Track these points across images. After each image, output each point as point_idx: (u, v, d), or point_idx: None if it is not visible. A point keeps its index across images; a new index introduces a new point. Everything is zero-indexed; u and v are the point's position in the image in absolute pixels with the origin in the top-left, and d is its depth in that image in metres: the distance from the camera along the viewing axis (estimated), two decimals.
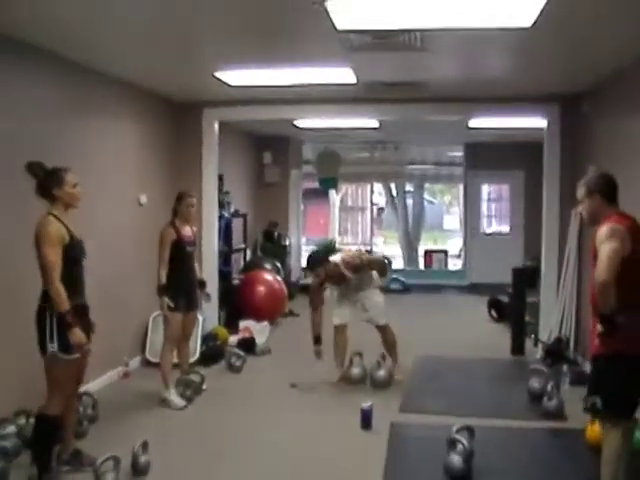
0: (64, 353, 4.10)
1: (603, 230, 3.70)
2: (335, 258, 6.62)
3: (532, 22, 4.45)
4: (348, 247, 15.96)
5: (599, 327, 3.66)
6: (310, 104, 8.01)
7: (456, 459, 4.37)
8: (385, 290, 7.10)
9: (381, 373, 6.58)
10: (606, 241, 3.62)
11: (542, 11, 4.20)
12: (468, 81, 6.98)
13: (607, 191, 3.91)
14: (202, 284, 6.38)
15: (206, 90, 7.43)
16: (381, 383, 6.53)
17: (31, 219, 4.16)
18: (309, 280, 7.33)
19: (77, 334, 4.09)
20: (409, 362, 7.02)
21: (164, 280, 5.82)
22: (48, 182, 4.17)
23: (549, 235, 7.82)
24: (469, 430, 4.65)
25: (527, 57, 5.90)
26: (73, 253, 4.20)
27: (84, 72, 6.05)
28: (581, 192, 3.95)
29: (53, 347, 4.08)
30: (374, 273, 6.79)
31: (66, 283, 4.07)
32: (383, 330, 6.72)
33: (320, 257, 6.77)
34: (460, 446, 4.39)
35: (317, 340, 6.67)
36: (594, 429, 4.71)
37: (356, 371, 6.67)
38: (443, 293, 13.41)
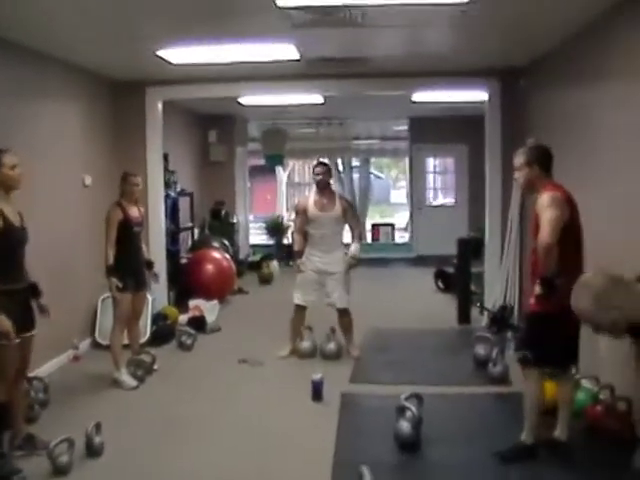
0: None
1: (544, 199, 4.00)
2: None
3: None
4: None
5: (537, 289, 3.97)
6: (254, 81, 7.99)
7: (405, 426, 4.49)
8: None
9: (331, 346, 6.68)
10: (548, 209, 3.94)
11: None
12: (410, 56, 7.05)
13: (544, 162, 4.22)
14: (150, 264, 6.36)
15: (149, 69, 7.35)
16: (331, 356, 6.65)
17: None
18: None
19: (1, 322, 4.00)
20: (359, 335, 7.11)
21: (112, 261, 5.79)
22: None
23: (492, 206, 7.98)
24: (418, 397, 4.78)
25: (466, 32, 5.99)
26: (8, 238, 4.13)
27: (22, 53, 5.92)
28: (520, 161, 4.25)
29: None
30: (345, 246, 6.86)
31: (1, 268, 4.04)
32: (343, 313, 6.76)
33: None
34: (409, 413, 4.51)
35: (299, 255, 6.73)
36: None
37: (306, 345, 6.76)
38: (390, 266, 13.57)
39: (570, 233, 4.01)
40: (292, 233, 6.84)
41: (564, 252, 3.93)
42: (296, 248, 6.80)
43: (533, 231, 4.14)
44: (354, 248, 6.71)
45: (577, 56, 5.77)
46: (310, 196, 6.79)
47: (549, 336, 4.12)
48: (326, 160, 6.78)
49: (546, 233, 3.89)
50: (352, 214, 6.83)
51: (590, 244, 5.20)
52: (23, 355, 4.36)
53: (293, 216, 6.99)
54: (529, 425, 4.28)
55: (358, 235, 6.85)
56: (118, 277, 5.80)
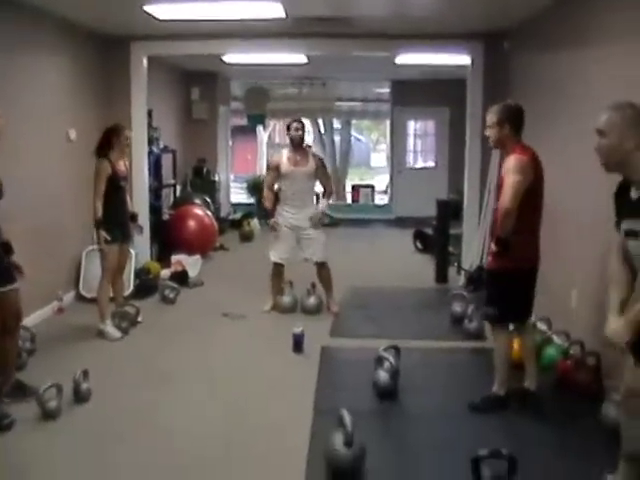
0: None
1: (511, 162, 4.17)
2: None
3: None
4: None
5: (493, 247, 4.22)
6: (239, 39, 7.99)
7: (383, 375, 4.67)
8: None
9: (311, 301, 6.85)
10: (512, 173, 4.11)
11: None
12: (395, 18, 7.09)
13: (516, 121, 4.33)
14: (134, 217, 6.43)
15: (135, 24, 7.33)
16: (312, 310, 6.81)
17: None
18: None
19: None
20: (339, 293, 7.25)
21: (100, 214, 5.85)
22: None
23: (471, 169, 8.11)
24: (395, 349, 4.95)
25: None
26: None
27: (4, 5, 5.86)
28: (492, 119, 4.35)
29: None
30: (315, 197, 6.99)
31: None
32: (321, 267, 6.87)
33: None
34: (387, 363, 4.69)
35: (271, 213, 6.86)
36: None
37: (287, 299, 6.91)
38: (370, 227, 13.70)
39: (531, 195, 4.18)
40: (265, 191, 6.91)
41: (522, 213, 4.11)
42: (267, 205, 6.90)
43: (498, 190, 4.32)
44: (322, 204, 6.92)
45: (560, 19, 5.85)
46: (283, 153, 6.87)
47: (508, 291, 4.34)
48: (304, 120, 6.85)
49: (507, 198, 4.05)
50: (324, 171, 6.93)
51: (571, 206, 5.38)
52: (9, 308, 4.40)
53: (267, 173, 7.05)
54: (500, 377, 4.47)
55: (329, 193, 6.97)
56: (106, 230, 5.88)
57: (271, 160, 7.20)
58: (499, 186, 4.28)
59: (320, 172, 6.81)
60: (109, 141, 6.00)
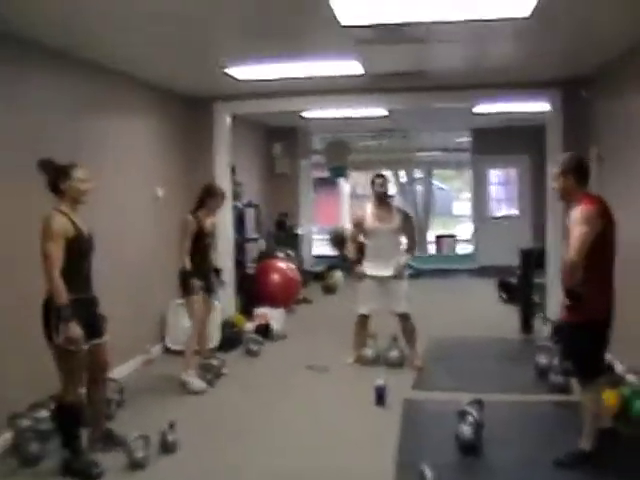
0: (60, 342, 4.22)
1: (577, 213, 4.13)
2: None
3: (530, 12, 4.64)
4: None
5: (566, 300, 4.16)
6: (318, 95, 8.19)
7: (466, 429, 4.60)
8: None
9: (394, 353, 6.81)
10: (578, 225, 4.07)
11: (539, 1, 4.40)
12: (472, 69, 7.15)
13: (580, 172, 4.33)
14: (217, 271, 6.62)
15: (217, 85, 7.63)
16: (394, 363, 6.77)
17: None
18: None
19: (71, 328, 4.16)
20: (422, 344, 7.20)
21: (188, 265, 6.05)
22: (56, 177, 4.33)
23: (553, 217, 7.99)
24: (479, 403, 4.88)
25: (528, 45, 6.07)
26: (77, 247, 4.31)
27: (98, 71, 6.23)
28: (556, 171, 4.38)
29: (58, 339, 4.19)
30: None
31: (67, 277, 4.18)
32: (404, 319, 6.80)
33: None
34: (470, 417, 4.62)
35: (356, 262, 6.88)
36: None
37: (370, 352, 6.90)
38: (453, 277, 13.60)
39: (600, 246, 4.13)
40: (350, 244, 6.98)
41: (592, 264, 4.05)
42: (351, 256, 6.95)
43: (566, 241, 4.27)
44: (404, 257, 6.83)
45: (635, 65, 5.79)
46: (367, 208, 6.86)
47: (580, 346, 4.30)
48: (384, 172, 6.89)
49: (574, 250, 4.01)
50: (409, 226, 6.90)
51: None
52: (97, 360, 4.58)
53: (351, 228, 7.13)
54: (587, 432, 4.34)
55: (411, 247, 6.97)
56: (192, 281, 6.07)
57: (355, 215, 7.20)
58: (567, 236, 4.22)
59: (406, 227, 6.80)
60: (202, 200, 6.25)
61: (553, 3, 4.50)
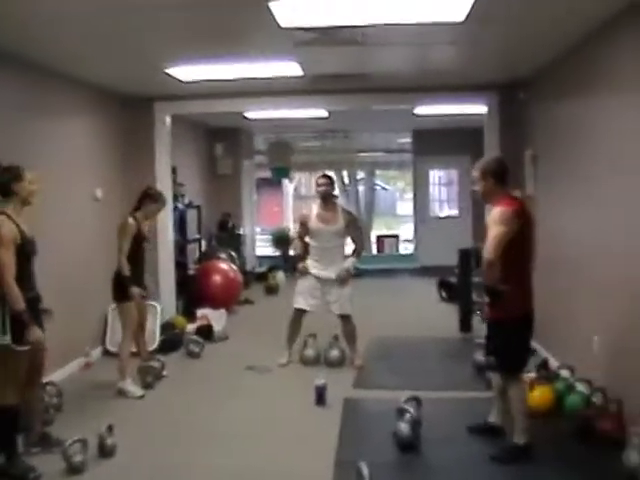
0: (16, 344, 4.21)
1: (495, 214, 4.30)
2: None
3: (464, 17, 4.73)
4: None
5: (486, 297, 4.34)
6: (259, 96, 8.20)
7: (404, 427, 4.66)
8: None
9: (335, 353, 6.87)
10: (496, 225, 4.23)
11: (473, 6, 4.48)
12: (412, 71, 7.24)
13: (499, 174, 4.48)
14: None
15: (158, 85, 7.57)
16: (335, 362, 6.82)
17: None
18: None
19: (35, 332, 4.24)
20: (363, 343, 7.25)
21: (128, 271, 5.94)
22: (10, 179, 4.30)
23: None
24: (417, 400, 4.94)
25: (465, 48, 6.18)
26: (24, 251, 4.31)
27: (33, 70, 6.12)
28: (476, 173, 4.51)
29: (5, 339, 4.17)
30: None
31: (19, 279, 4.19)
32: (345, 320, 6.84)
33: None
34: (408, 415, 4.69)
35: (300, 258, 6.95)
36: (532, 395, 5.13)
37: (310, 352, 6.94)
38: (395, 276, 13.73)
39: (519, 245, 4.29)
40: (296, 240, 7.02)
41: (509, 263, 4.20)
42: (297, 252, 6.98)
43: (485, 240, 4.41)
44: (349, 262, 6.84)
45: (574, 68, 5.96)
46: (313, 209, 6.88)
47: (508, 341, 4.42)
48: (330, 173, 6.94)
49: (490, 248, 4.16)
50: (355, 228, 6.92)
51: (591, 251, 5.40)
52: (35, 361, 4.51)
53: (296, 226, 7.19)
54: (520, 427, 4.47)
55: (358, 252, 6.97)
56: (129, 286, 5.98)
57: (300, 215, 7.29)
58: (485, 236, 4.38)
59: (351, 229, 6.82)
60: (142, 202, 6.17)
61: (486, 8, 4.60)
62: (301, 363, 6.91)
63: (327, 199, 6.78)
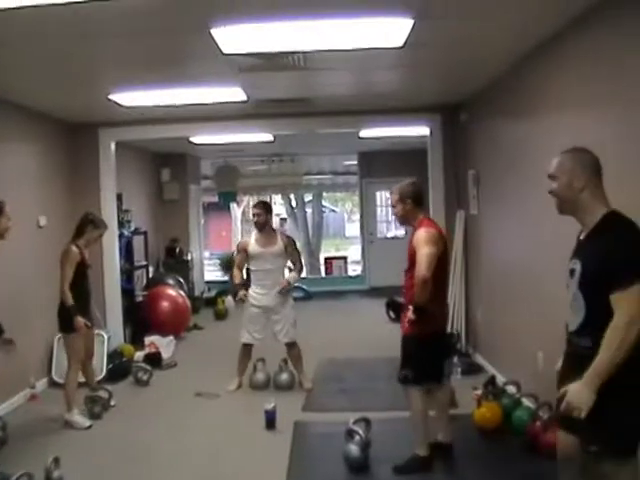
0: None
1: (422, 234, 4.45)
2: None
3: (403, 42, 4.84)
4: None
5: (410, 314, 4.43)
6: (204, 122, 8.23)
7: (354, 449, 4.69)
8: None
9: (284, 377, 6.88)
10: (425, 245, 4.37)
11: (410, 32, 4.59)
12: (355, 95, 7.35)
13: (416, 197, 4.68)
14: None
15: (101, 111, 7.53)
16: (284, 386, 6.83)
17: None
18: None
19: None
20: (312, 365, 7.28)
21: (71, 301, 5.84)
22: None
23: None
24: (366, 421, 4.98)
25: (406, 72, 6.33)
26: None
27: None
28: (395, 197, 4.69)
29: None
30: (286, 271, 7.07)
31: None
32: (290, 346, 6.88)
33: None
34: (357, 437, 4.72)
35: (239, 287, 6.95)
36: (480, 412, 5.22)
37: (260, 376, 6.93)
38: (344, 299, 13.78)
39: (441, 265, 4.48)
40: (234, 270, 7.04)
41: (435, 283, 4.36)
42: (236, 282, 7.01)
43: (409, 262, 4.54)
44: (290, 275, 7.00)
45: (512, 89, 6.10)
46: (253, 235, 6.95)
47: (424, 356, 4.57)
48: (265, 199, 7.03)
49: (424, 267, 4.29)
50: (293, 249, 7.00)
51: (532, 268, 5.52)
52: None
53: (236, 255, 7.22)
54: (419, 438, 4.63)
55: (298, 268, 7.06)
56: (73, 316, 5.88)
57: (240, 242, 7.35)
58: (411, 257, 4.49)
59: (289, 250, 6.89)
60: (82, 229, 6.08)
61: (424, 34, 4.71)
62: (251, 388, 6.90)
63: (262, 226, 6.82)
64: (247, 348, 6.96)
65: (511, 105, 6.17)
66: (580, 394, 2.66)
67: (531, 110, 5.58)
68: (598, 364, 2.63)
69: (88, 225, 6.12)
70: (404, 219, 4.75)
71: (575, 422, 2.72)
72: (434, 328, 4.56)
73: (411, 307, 4.42)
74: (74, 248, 5.95)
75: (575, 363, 2.84)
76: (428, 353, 4.57)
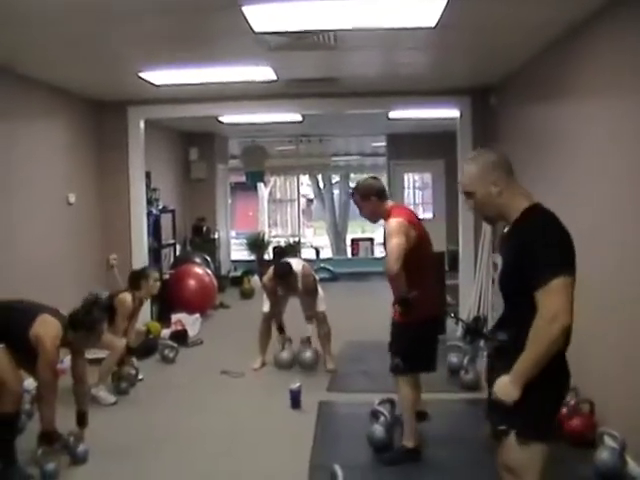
0: None
1: (391, 225, 4.38)
2: (296, 267, 6.77)
3: (435, 22, 4.79)
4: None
5: (397, 307, 4.36)
6: (233, 100, 8.22)
7: (378, 429, 4.69)
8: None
9: (307, 354, 6.88)
10: (393, 236, 4.30)
11: (443, 13, 4.54)
12: (385, 76, 7.31)
13: (378, 192, 4.66)
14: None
15: (131, 89, 7.56)
16: (309, 365, 6.84)
17: None
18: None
19: None
20: (337, 347, 7.28)
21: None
22: None
23: (465, 221, 8.22)
24: (391, 402, 4.98)
25: (437, 53, 6.26)
26: None
27: (7, 77, 6.10)
28: (357, 199, 4.70)
29: None
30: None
31: None
32: (321, 320, 6.87)
33: (289, 268, 6.74)
34: (382, 417, 4.73)
35: (280, 330, 7.03)
36: None
37: (285, 355, 6.95)
38: (370, 280, 13.75)
39: (418, 251, 4.40)
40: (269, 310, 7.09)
41: (415, 269, 4.31)
42: (278, 322, 7.09)
43: (385, 252, 4.50)
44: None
45: (544, 73, 6.03)
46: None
47: (414, 345, 4.53)
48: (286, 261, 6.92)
49: (391, 261, 4.21)
50: (314, 295, 6.90)
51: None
52: None
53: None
54: (409, 430, 4.58)
55: (309, 317, 6.98)
56: None
57: (265, 284, 7.07)
58: (385, 248, 4.46)
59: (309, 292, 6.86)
60: (139, 284, 6.53)
61: (457, 15, 4.65)
62: (276, 367, 6.93)
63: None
64: (267, 324, 7.01)
65: (542, 90, 6.08)
66: (506, 389, 2.63)
67: (562, 96, 5.50)
68: (523, 362, 2.58)
69: (138, 279, 6.59)
70: (373, 215, 4.71)
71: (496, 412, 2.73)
72: (424, 314, 4.42)
73: (396, 301, 4.36)
74: (131, 300, 6.39)
75: (495, 356, 2.85)
76: (419, 342, 4.52)
